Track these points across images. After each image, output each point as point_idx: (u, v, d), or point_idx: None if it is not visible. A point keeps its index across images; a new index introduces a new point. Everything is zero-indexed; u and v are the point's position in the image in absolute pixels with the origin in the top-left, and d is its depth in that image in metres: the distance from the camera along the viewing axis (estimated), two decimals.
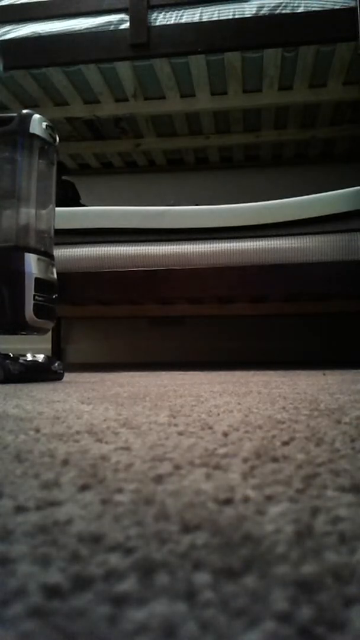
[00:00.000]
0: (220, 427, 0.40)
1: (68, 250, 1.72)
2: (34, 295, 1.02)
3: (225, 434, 0.37)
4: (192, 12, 1.79)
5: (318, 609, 0.13)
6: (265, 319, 2.43)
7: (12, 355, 1.00)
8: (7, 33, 1.87)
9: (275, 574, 0.15)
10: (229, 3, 1.78)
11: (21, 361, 1.01)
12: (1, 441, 0.35)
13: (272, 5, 1.74)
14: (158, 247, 1.70)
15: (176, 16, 1.79)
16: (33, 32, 1.85)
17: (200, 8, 1.79)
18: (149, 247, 1.70)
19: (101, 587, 0.14)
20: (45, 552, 0.17)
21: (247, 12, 1.76)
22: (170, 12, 1.80)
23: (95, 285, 1.71)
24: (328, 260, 1.62)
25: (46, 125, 1.08)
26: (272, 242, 1.65)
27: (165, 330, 2.55)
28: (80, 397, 0.67)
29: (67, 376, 1.23)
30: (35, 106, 2.22)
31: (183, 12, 1.79)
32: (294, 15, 1.73)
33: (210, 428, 0.40)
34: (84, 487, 0.24)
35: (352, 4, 1.70)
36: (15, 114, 1.05)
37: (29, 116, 1.05)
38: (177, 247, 1.69)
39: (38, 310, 1.03)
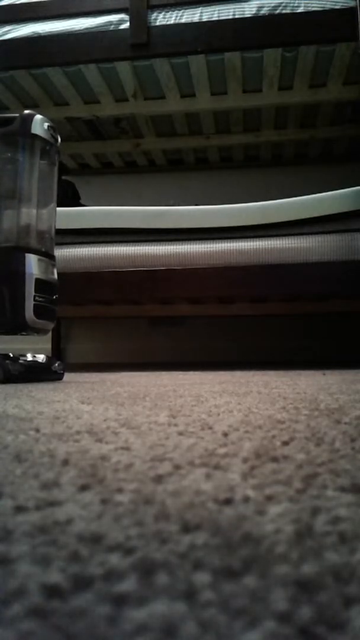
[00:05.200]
0: (220, 427, 0.40)
1: (68, 250, 1.72)
2: (35, 296, 1.02)
3: (225, 434, 0.37)
4: (192, 12, 1.79)
5: (318, 609, 0.13)
6: (265, 319, 2.43)
7: (12, 355, 1.00)
8: (7, 33, 1.87)
9: (275, 574, 0.15)
10: (229, 3, 1.78)
11: (21, 361, 1.01)
12: (1, 441, 0.35)
13: (272, 5, 1.75)
14: (158, 247, 1.70)
15: (176, 16, 1.79)
16: (33, 32, 1.85)
17: (200, 8, 1.79)
18: (149, 247, 1.70)
19: (101, 587, 0.14)
20: (45, 552, 0.17)
21: (247, 12, 1.76)
22: (170, 12, 1.80)
23: (95, 285, 1.71)
24: (328, 260, 1.62)
25: (48, 126, 1.08)
26: (272, 242, 1.65)
27: (165, 330, 2.55)
28: (80, 397, 0.67)
29: (67, 376, 1.23)
30: (35, 106, 2.22)
31: (183, 12, 1.80)
32: (294, 15, 1.73)
33: (210, 428, 0.40)
34: (84, 487, 0.24)
35: (352, 4, 1.70)
36: (17, 115, 1.05)
37: (31, 117, 1.05)
38: (177, 247, 1.69)
39: (38, 310, 1.03)
